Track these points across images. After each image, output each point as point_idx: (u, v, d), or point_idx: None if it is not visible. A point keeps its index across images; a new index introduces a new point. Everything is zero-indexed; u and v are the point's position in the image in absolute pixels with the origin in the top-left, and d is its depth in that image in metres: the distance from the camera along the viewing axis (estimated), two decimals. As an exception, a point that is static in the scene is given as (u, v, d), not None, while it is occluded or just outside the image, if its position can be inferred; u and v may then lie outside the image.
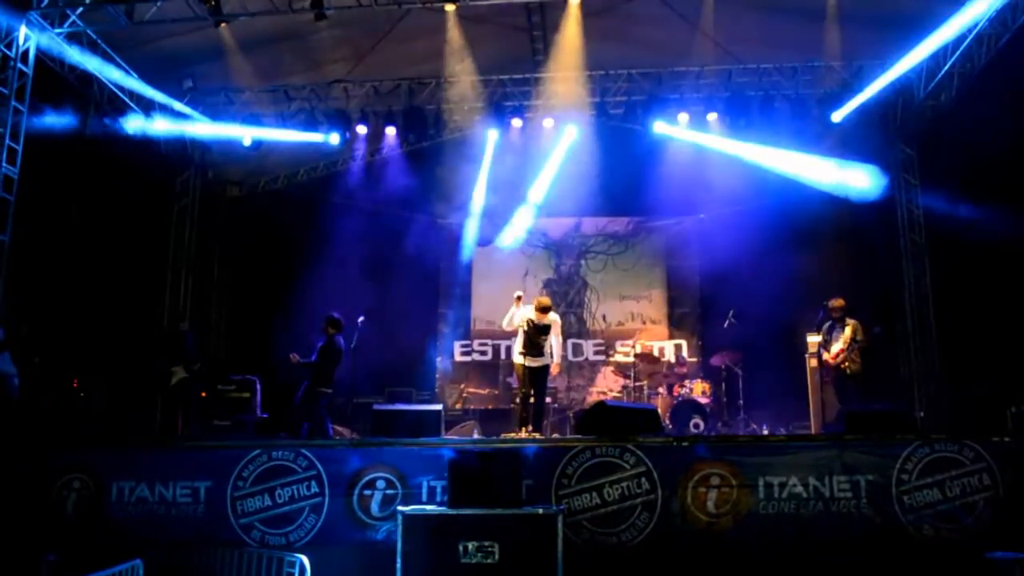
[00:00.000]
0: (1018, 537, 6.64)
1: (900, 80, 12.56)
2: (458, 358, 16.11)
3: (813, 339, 11.64)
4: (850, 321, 10.79)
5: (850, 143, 14.16)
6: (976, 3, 10.51)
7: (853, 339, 10.67)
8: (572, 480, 7.20)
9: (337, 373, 11.15)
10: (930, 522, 6.94)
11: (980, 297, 11.63)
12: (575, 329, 16.13)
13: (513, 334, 10.50)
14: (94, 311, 12.27)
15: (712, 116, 13.90)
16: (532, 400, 10.13)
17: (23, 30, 10.52)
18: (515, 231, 16.13)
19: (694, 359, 15.30)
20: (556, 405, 13.71)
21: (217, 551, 7.05)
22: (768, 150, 14.15)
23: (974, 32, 11.23)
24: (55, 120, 11.60)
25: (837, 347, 10.79)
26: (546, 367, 10.20)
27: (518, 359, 10.18)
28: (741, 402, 12.65)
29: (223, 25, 11.49)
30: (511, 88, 14.13)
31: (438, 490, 7.18)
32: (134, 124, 13.29)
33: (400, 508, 6.64)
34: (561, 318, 15.84)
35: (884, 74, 12.33)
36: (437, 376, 15.88)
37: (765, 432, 12.14)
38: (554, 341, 10.24)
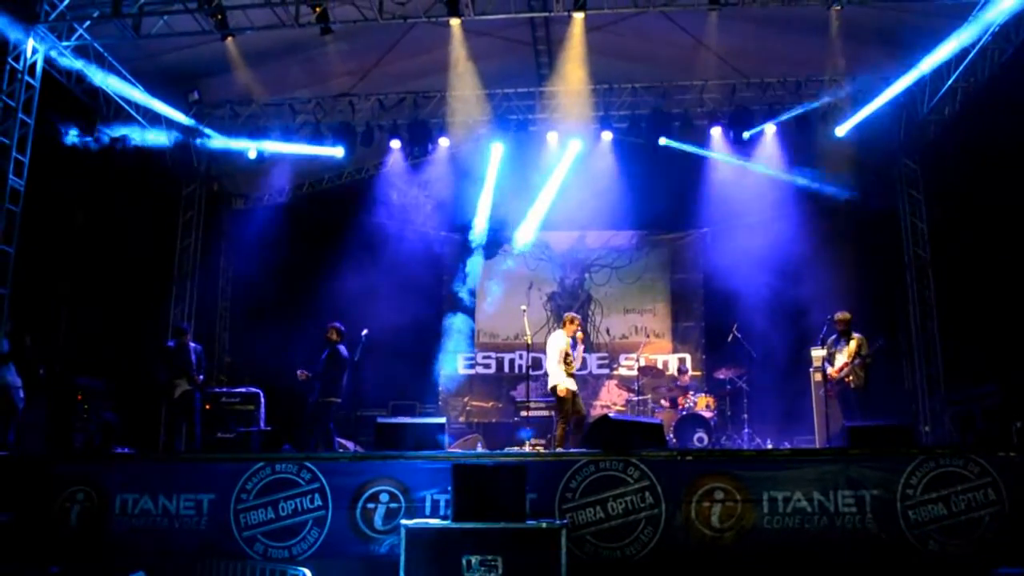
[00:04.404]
0: (1024, 553, 6.62)
1: (904, 94, 12.56)
2: (462, 371, 16.11)
3: (817, 353, 11.62)
4: (855, 335, 10.77)
5: (854, 157, 14.18)
6: (979, 18, 10.54)
7: (857, 353, 10.65)
8: (576, 494, 7.18)
9: (342, 385, 11.16)
10: (936, 537, 6.91)
11: (984, 311, 11.62)
12: (579, 342, 16.12)
13: (521, 348, 10.48)
14: (99, 323, 12.30)
15: (716, 130, 13.94)
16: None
17: (30, 43, 10.58)
18: (519, 244, 16.18)
19: (698, 373, 15.28)
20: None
21: (220, 564, 7.05)
22: (772, 164, 14.19)
23: (977, 47, 11.24)
24: (62, 133, 11.67)
25: (841, 361, 10.77)
26: None
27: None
28: (745, 416, 12.61)
29: (229, 39, 11.56)
30: (515, 102, 14.19)
31: (442, 503, 7.17)
32: (140, 137, 13.37)
33: (403, 522, 6.62)
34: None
35: (888, 89, 12.34)
36: (441, 389, 15.87)
37: (769, 446, 12.10)
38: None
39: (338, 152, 14.32)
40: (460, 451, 10.64)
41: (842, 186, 14.62)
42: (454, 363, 16.08)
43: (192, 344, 11.62)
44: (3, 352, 9.62)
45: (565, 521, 6.73)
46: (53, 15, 10.68)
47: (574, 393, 10.30)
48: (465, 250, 16.20)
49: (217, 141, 14.18)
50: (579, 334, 10.47)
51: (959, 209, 12.40)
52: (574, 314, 10.77)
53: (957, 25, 10.77)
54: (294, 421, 11.70)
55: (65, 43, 11.14)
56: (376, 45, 13.01)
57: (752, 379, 12.86)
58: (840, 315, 10.90)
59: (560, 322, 10.75)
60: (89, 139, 12.28)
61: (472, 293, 16.30)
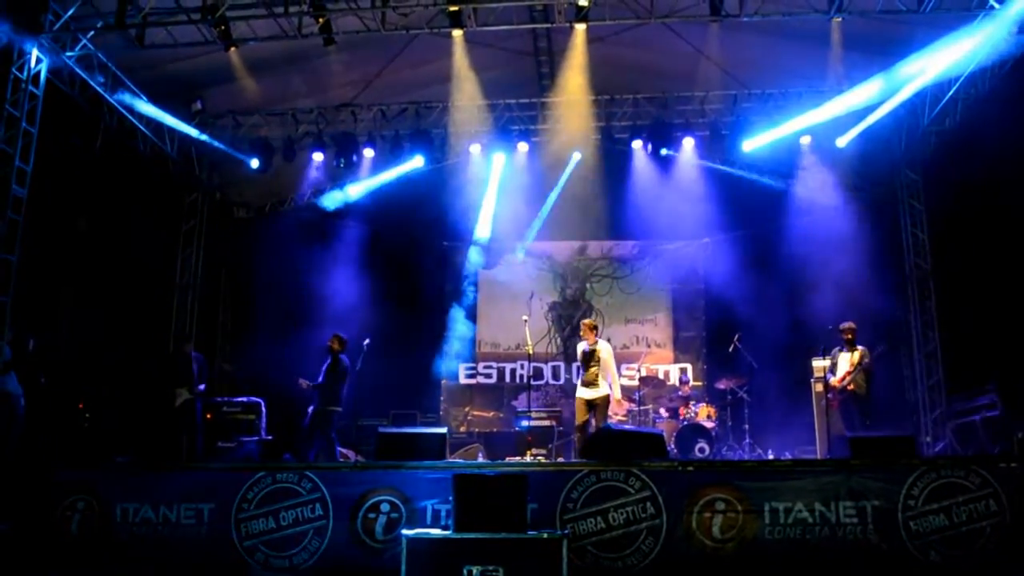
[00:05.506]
0: (1026, 564, 6.61)
1: (904, 106, 12.58)
2: (463, 380, 16.09)
3: (818, 363, 11.62)
4: (859, 347, 10.79)
5: (855, 168, 14.21)
6: (981, 30, 10.56)
7: (859, 363, 10.66)
8: (577, 504, 7.17)
9: (343, 394, 11.16)
10: (937, 548, 6.90)
11: (985, 322, 11.62)
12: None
13: (522, 358, 10.47)
14: (100, 331, 12.31)
15: (717, 141, 13.95)
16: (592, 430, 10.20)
17: (34, 53, 10.62)
18: (521, 254, 16.20)
19: (699, 383, 15.26)
20: (561, 428, 13.68)
21: (221, 573, 7.04)
22: (773, 174, 14.23)
23: (978, 59, 11.26)
24: (65, 142, 11.70)
25: (844, 369, 10.77)
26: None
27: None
28: (746, 426, 12.59)
29: (232, 49, 11.59)
30: (517, 112, 14.21)
31: (442, 513, 7.16)
32: (143, 146, 13.41)
33: (404, 531, 6.60)
34: (565, 341, 16.04)
35: (889, 100, 12.35)
36: (442, 398, 15.85)
37: (771, 457, 12.08)
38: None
39: (341, 162, 14.30)
40: (461, 461, 10.63)
41: (843, 196, 14.65)
42: (455, 372, 16.07)
43: (193, 353, 11.62)
44: (5, 360, 9.64)
45: (566, 531, 6.73)
46: (57, 25, 10.72)
47: (586, 402, 10.24)
48: (466, 260, 16.22)
49: (219, 151, 14.19)
50: (583, 344, 10.45)
51: (960, 220, 12.42)
52: (587, 320, 10.79)
53: (958, 37, 10.78)
54: (295, 430, 11.70)
55: (69, 53, 11.16)
56: (378, 56, 13.06)
57: (753, 389, 12.85)
58: (845, 325, 10.91)
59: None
60: (92, 149, 12.32)
61: (473, 303, 16.30)
